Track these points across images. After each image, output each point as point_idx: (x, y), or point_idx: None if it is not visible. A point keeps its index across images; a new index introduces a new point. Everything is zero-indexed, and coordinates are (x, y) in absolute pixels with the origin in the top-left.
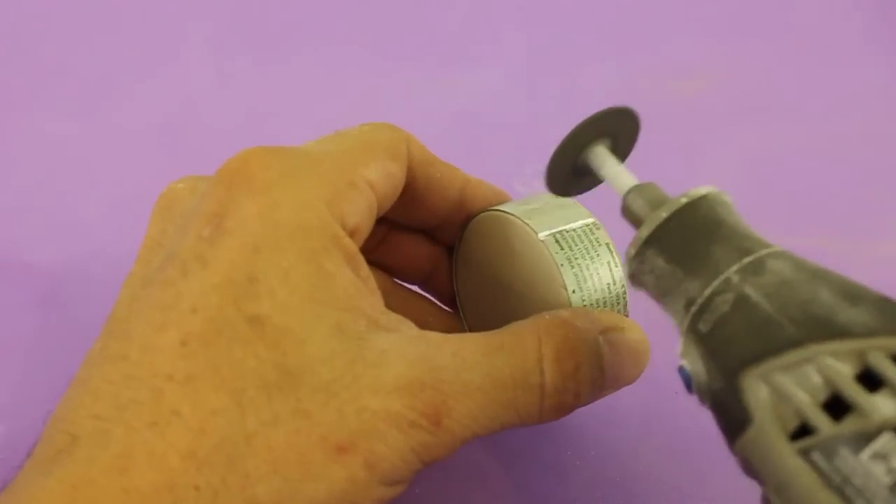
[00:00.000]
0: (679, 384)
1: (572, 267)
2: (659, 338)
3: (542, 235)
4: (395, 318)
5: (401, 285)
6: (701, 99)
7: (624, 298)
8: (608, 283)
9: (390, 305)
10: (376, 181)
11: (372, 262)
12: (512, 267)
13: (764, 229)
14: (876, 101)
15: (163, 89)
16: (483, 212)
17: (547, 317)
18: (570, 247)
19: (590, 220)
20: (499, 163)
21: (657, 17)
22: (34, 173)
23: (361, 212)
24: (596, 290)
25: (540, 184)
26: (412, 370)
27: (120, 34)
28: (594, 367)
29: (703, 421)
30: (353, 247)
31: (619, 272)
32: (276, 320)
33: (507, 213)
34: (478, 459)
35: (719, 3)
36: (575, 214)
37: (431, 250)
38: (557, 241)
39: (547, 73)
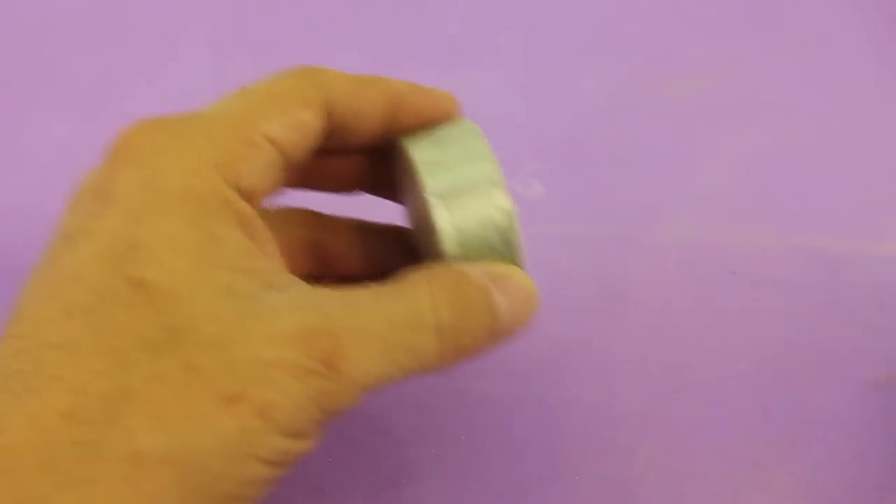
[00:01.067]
0: (677, 382)
1: (459, 233)
2: (653, 338)
3: (431, 197)
4: (289, 279)
5: (331, 217)
6: (700, 98)
7: (518, 262)
8: (501, 252)
9: (325, 241)
10: (279, 134)
11: (309, 187)
12: (420, 207)
13: (762, 231)
14: (875, 101)
15: (163, 89)
16: (401, 140)
17: (435, 266)
18: (462, 214)
19: (493, 179)
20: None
21: (655, 17)
22: (37, 173)
23: (259, 170)
24: (483, 258)
25: (538, 182)
26: (306, 319)
27: (121, 36)
28: (486, 309)
29: (700, 419)
30: (248, 210)
31: (516, 237)
32: (161, 284)
33: (413, 157)
34: (476, 458)
35: (718, 3)
36: (479, 172)
37: (369, 163)
38: (448, 208)
39: (545, 74)
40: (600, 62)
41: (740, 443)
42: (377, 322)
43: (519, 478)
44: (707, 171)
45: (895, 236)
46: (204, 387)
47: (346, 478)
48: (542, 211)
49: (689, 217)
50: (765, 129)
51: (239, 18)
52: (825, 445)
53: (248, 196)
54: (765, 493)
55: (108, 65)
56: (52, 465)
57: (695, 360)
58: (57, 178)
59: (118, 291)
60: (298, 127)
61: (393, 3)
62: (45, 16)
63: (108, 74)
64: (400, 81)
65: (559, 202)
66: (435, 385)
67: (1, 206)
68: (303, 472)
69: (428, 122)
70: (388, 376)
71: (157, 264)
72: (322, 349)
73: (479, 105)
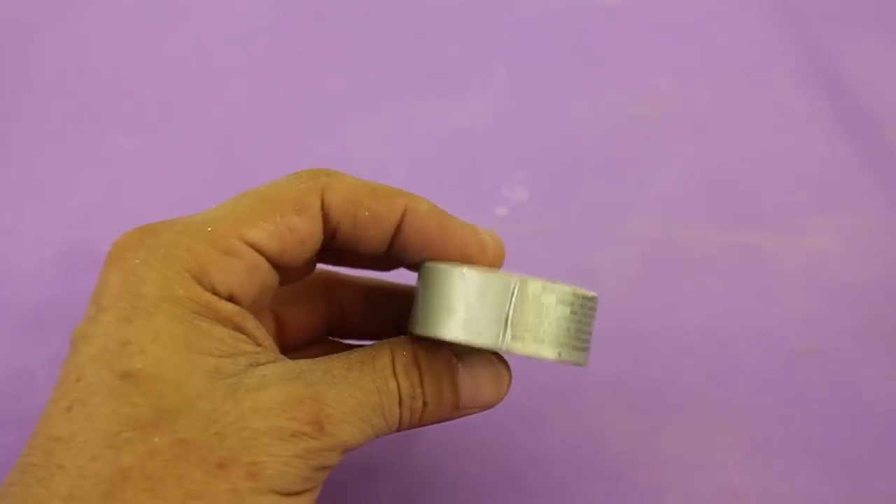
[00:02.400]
0: (638, 352)
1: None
2: (619, 316)
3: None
4: (276, 357)
5: (349, 280)
6: (655, 120)
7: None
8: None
9: (343, 303)
10: (264, 240)
11: (348, 266)
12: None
13: (707, 228)
14: (799, 122)
15: (210, 111)
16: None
17: (402, 336)
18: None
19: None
20: (489, 171)
21: (620, 55)
22: (109, 178)
23: (237, 276)
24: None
25: (523, 188)
26: (291, 388)
27: (177, 67)
28: (442, 379)
29: (657, 383)
30: (230, 308)
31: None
32: (149, 372)
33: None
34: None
35: (672, 43)
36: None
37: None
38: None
39: (528, 99)
40: (575, 89)
41: (689, 400)
42: (351, 387)
43: (506, 434)
44: (662, 178)
45: (815, 233)
46: (195, 457)
47: None
48: (526, 211)
49: (648, 216)
50: (708, 144)
51: (270, 57)
52: (758, 401)
53: (230, 297)
54: (708, 437)
55: (168, 92)
56: None
57: (652, 333)
58: (125, 182)
59: (109, 384)
60: (287, 232)
61: (400, 41)
62: (115, 49)
63: (168, 99)
64: (424, 201)
65: (541, 204)
66: None
67: (79, 207)
68: None
69: (439, 250)
70: (364, 434)
71: (144, 356)
72: (308, 412)
73: (475, 125)
